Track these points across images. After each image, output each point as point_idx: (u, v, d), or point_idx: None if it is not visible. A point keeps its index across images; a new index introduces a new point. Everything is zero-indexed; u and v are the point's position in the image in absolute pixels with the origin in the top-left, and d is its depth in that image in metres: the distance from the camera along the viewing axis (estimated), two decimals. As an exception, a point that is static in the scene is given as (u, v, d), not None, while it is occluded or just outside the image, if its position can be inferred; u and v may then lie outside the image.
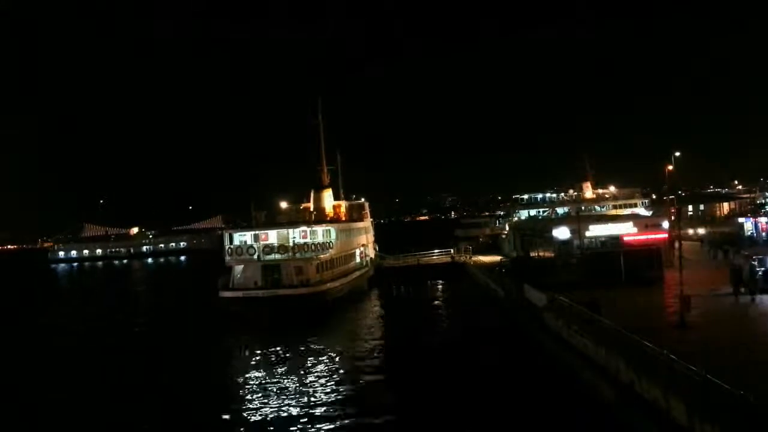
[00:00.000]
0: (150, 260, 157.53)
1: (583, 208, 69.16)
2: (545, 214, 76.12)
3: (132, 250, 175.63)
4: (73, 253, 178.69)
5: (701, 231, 61.08)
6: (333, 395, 23.89)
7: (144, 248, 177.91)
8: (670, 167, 62.23)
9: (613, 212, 68.41)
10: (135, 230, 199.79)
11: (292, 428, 20.57)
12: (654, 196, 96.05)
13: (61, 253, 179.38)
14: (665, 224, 43.92)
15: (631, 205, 74.89)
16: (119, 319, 49.27)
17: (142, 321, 48.26)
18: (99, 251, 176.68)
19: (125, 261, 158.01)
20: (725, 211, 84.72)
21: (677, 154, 62.11)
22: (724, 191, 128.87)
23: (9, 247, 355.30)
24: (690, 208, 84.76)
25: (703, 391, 14.22)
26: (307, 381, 26.18)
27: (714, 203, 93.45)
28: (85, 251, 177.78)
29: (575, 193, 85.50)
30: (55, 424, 23.33)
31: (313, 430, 20.36)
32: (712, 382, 14.11)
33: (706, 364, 15.27)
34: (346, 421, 20.92)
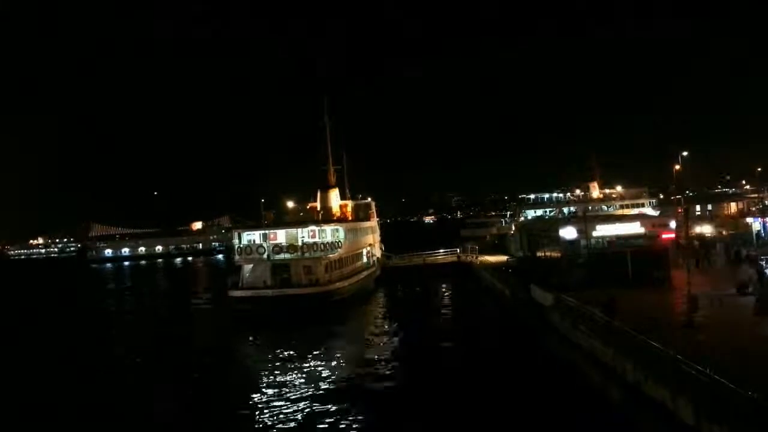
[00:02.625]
0: (222, 257, 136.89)
1: (590, 208, 69.10)
2: (552, 213, 76.11)
3: (200, 246, 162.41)
4: (125, 250, 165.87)
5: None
6: (340, 394, 24.07)
7: (214, 244, 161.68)
8: (678, 167, 62.08)
9: (620, 212, 68.32)
10: (198, 225, 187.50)
11: (298, 426, 20.78)
12: (662, 196, 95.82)
13: (108, 251, 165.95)
14: (672, 224, 43.88)
15: (638, 205, 74.74)
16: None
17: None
18: (159, 248, 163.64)
19: (189, 258, 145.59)
20: (733, 211, 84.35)
21: (685, 153, 61.98)
22: (731, 191, 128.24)
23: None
24: (698, 207, 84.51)
25: (710, 392, 14.33)
26: (315, 380, 26.36)
27: (722, 203, 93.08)
28: (141, 248, 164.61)
29: (582, 193, 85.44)
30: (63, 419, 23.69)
31: (319, 428, 20.56)
32: (720, 382, 14.21)
33: (713, 364, 15.37)
34: (353, 421, 21.09)
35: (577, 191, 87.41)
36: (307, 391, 24.66)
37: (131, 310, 55.38)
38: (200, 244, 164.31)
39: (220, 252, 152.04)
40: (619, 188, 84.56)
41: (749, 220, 55.15)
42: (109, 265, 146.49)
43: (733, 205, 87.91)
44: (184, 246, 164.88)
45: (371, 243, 63.14)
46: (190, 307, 55.63)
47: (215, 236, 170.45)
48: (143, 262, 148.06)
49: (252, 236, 47.48)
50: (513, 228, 71.95)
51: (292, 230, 47.17)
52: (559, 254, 43.44)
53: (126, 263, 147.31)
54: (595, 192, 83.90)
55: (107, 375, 30.40)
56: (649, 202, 77.31)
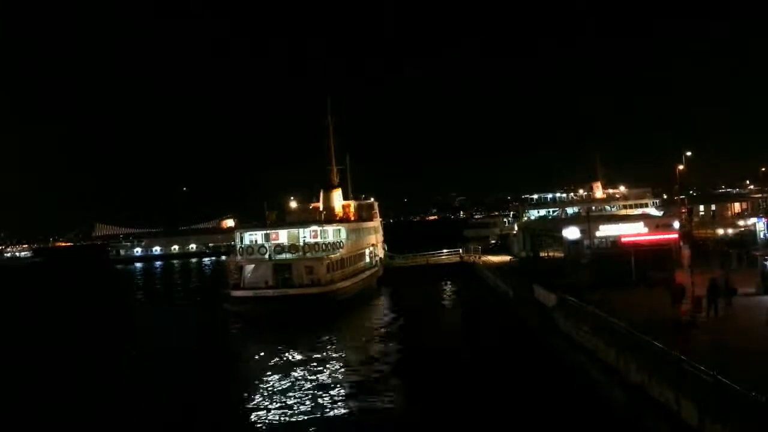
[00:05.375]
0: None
1: (593, 208, 68.92)
2: (555, 214, 75.95)
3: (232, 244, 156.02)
4: (156, 249, 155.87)
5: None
6: (341, 394, 24.02)
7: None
8: (681, 167, 61.95)
9: (624, 212, 68.16)
10: (230, 222, 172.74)
11: (298, 426, 20.70)
12: (665, 196, 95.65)
13: (137, 250, 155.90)
14: (676, 224, 43.71)
15: (641, 205, 74.58)
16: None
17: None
18: (192, 247, 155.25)
19: (223, 257, 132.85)
20: (736, 211, 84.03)
21: (688, 153, 61.87)
22: (735, 191, 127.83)
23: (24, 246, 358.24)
24: (702, 208, 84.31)
25: (713, 392, 14.20)
26: (316, 380, 26.31)
27: (725, 203, 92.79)
28: (174, 247, 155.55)
29: (585, 193, 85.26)
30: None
31: (321, 428, 20.47)
32: (723, 382, 14.08)
33: (716, 364, 15.24)
34: (355, 420, 21.03)
35: (581, 191, 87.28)
36: (308, 392, 24.60)
37: (137, 310, 55.31)
38: (233, 242, 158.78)
39: None
40: (622, 188, 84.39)
41: (753, 220, 54.83)
42: (139, 265, 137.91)
43: (736, 205, 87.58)
44: (212, 244, 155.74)
45: (374, 243, 63.07)
46: (193, 306, 55.65)
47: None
48: (175, 261, 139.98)
49: (254, 236, 47.47)
50: (516, 228, 71.78)
51: (294, 230, 47.18)
52: (562, 254, 43.34)
53: (157, 263, 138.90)
54: (599, 192, 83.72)
55: (104, 374, 30.35)
56: (653, 203, 77.11)
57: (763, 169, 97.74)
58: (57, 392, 27.62)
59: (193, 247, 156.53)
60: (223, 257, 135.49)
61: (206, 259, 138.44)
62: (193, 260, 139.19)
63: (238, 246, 46.49)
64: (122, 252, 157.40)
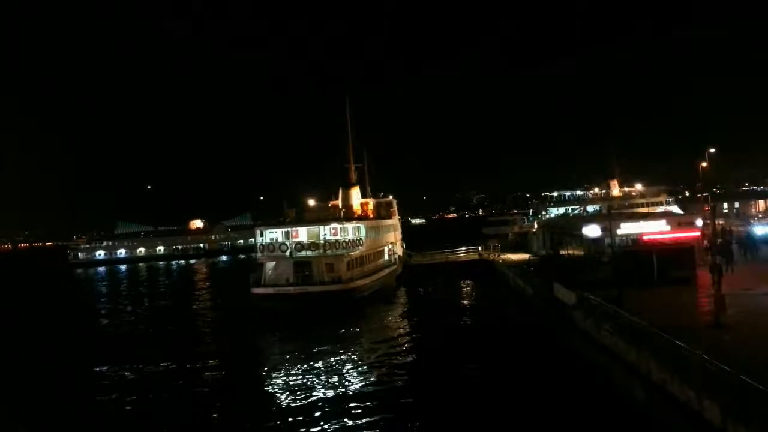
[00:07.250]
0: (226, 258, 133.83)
1: (615, 206, 68.53)
2: (576, 212, 75.54)
3: (204, 246, 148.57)
4: (121, 252, 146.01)
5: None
6: (358, 392, 24.15)
7: (225, 244, 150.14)
8: (704, 164, 61.27)
9: (644, 210, 67.65)
10: (198, 223, 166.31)
11: (315, 423, 20.89)
12: (687, 193, 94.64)
13: (100, 253, 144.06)
14: (699, 222, 43.26)
15: (656, 203, 74.02)
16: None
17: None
18: (161, 249, 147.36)
19: (192, 261, 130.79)
20: (761, 209, 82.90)
21: (712, 150, 61.12)
22: (759, 189, 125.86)
23: (48, 243, 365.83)
24: (725, 205, 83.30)
25: (737, 393, 14.13)
26: (336, 378, 26.51)
27: (749, 201, 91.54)
28: (140, 249, 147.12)
29: (602, 192, 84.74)
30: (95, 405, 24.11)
31: (337, 427, 20.62)
32: (747, 383, 14.01)
33: (741, 364, 15.15)
34: (369, 419, 21.12)
35: (596, 189, 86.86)
36: (327, 389, 24.81)
37: (147, 310, 55.86)
38: (202, 244, 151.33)
39: (225, 253, 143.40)
40: (638, 186, 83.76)
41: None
42: (101, 269, 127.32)
43: (761, 202, 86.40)
44: (180, 246, 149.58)
45: (393, 241, 63.22)
46: (212, 304, 56.19)
47: (217, 236, 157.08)
48: (141, 264, 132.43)
49: (275, 234, 47.84)
50: (535, 226, 71.45)
51: (314, 228, 47.46)
52: (582, 252, 43.11)
53: (122, 266, 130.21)
54: (615, 190, 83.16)
55: (127, 372, 30.78)
56: (666, 201, 76.57)
57: None
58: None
59: (161, 249, 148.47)
60: (192, 261, 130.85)
61: (174, 262, 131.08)
62: (161, 263, 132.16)
63: (259, 243, 46.90)
64: (81, 255, 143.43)
